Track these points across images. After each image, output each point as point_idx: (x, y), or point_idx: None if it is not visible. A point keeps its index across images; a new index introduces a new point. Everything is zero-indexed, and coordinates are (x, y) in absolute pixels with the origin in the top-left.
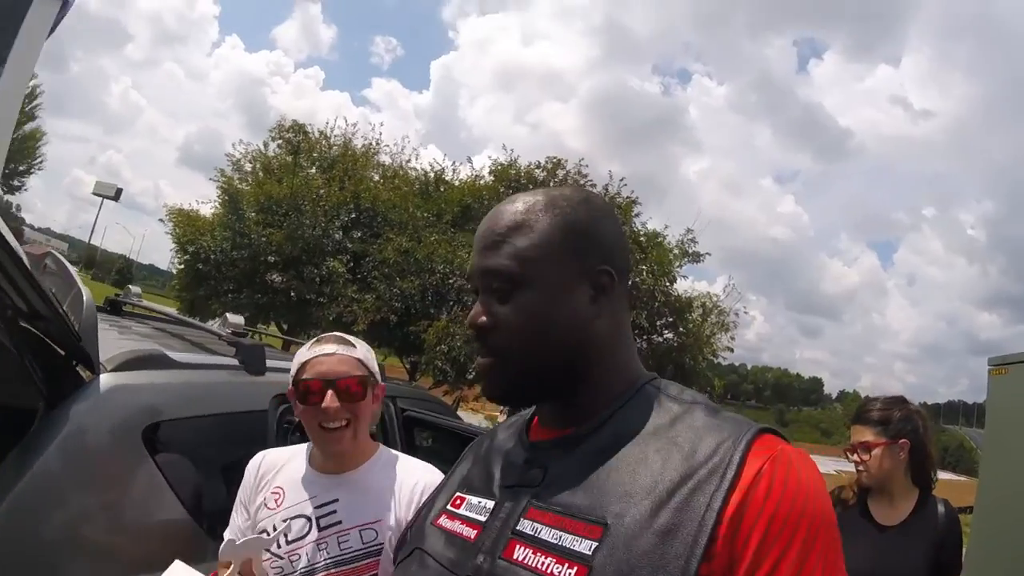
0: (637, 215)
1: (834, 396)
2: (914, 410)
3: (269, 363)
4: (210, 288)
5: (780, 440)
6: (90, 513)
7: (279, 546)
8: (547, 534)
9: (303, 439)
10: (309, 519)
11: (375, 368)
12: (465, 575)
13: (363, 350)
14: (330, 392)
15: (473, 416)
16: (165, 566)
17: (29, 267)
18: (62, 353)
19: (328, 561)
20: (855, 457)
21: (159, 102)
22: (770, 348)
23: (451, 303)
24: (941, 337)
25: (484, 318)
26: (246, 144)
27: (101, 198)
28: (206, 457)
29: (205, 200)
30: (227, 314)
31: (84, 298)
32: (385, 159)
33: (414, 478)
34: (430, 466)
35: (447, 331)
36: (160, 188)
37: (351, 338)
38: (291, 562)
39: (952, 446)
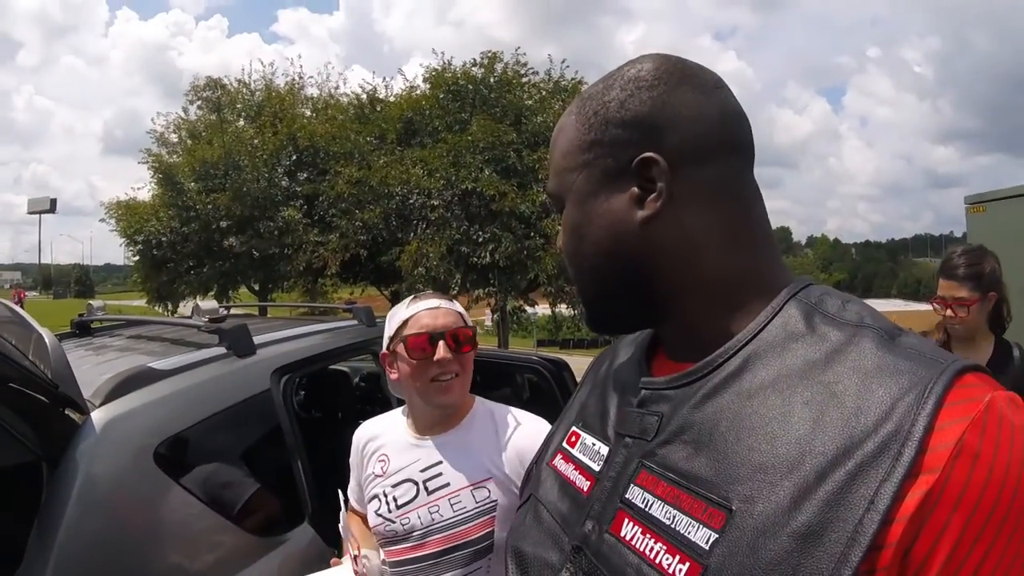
0: None
1: (803, 243)
2: (996, 259)
3: (256, 339)
4: (171, 271)
5: (986, 382)
6: (133, 553)
7: (390, 511)
8: (659, 510)
9: (318, 407)
10: (415, 483)
11: (466, 315)
12: (573, 544)
13: (459, 306)
14: (441, 343)
15: None
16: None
17: None
18: (45, 403)
19: (442, 523)
20: (949, 312)
21: (67, 99)
22: None
23: (416, 223)
24: (900, 175)
25: (558, 245)
26: (165, 115)
27: (38, 214)
28: (223, 456)
29: (140, 184)
30: (199, 302)
31: (47, 341)
32: (312, 92)
33: (520, 430)
34: (533, 415)
35: (420, 252)
36: (94, 184)
37: (447, 296)
38: (403, 526)
39: (925, 278)
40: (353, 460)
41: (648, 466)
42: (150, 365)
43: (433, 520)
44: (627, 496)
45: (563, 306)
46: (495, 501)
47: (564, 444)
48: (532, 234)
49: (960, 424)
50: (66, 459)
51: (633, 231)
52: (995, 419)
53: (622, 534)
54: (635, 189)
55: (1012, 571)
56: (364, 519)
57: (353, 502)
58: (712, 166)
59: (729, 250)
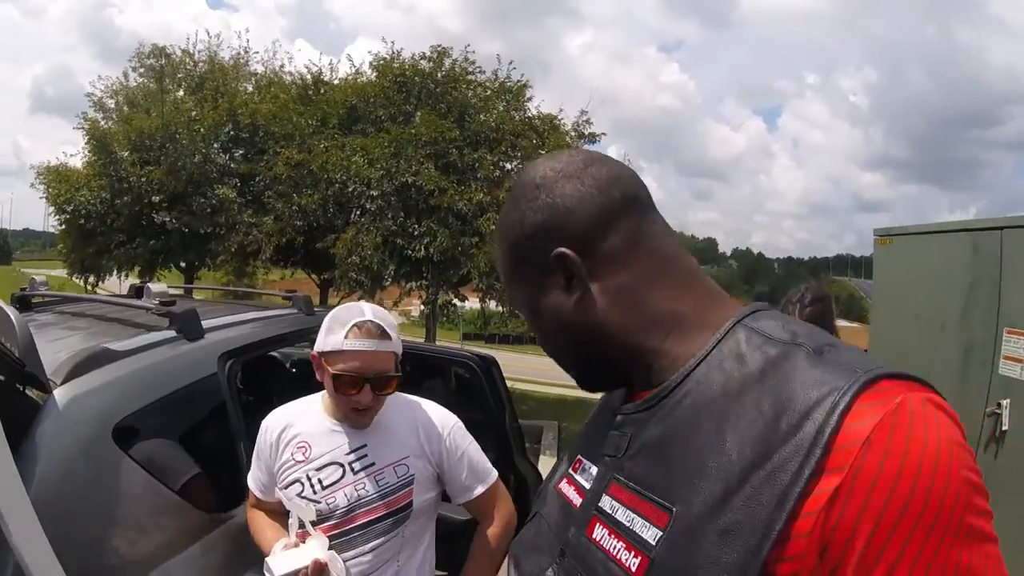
0: (530, 99)
1: (728, 254)
2: (830, 300)
3: (206, 323)
4: (99, 244)
5: (903, 386)
6: (93, 529)
7: (315, 492)
8: (622, 515)
9: (252, 391)
10: (341, 465)
11: (400, 349)
12: (560, 545)
13: (395, 335)
14: (367, 387)
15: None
16: (176, 549)
17: None
18: (3, 381)
19: (369, 497)
20: None
21: None
22: (665, 212)
23: (353, 210)
24: (829, 196)
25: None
26: (104, 79)
27: None
28: (175, 436)
29: (73, 152)
30: (148, 284)
31: (14, 320)
32: (257, 68)
33: (429, 413)
34: (435, 404)
35: (356, 241)
36: (19, 144)
37: (386, 322)
38: (328, 504)
39: (843, 296)
40: (261, 449)
41: (617, 478)
42: (106, 346)
43: (359, 496)
44: (600, 505)
45: (492, 302)
46: (413, 474)
47: (569, 470)
48: (468, 231)
49: (869, 423)
50: (28, 436)
51: (573, 312)
52: (906, 416)
53: (594, 536)
54: (562, 279)
55: (933, 560)
56: (268, 510)
57: (257, 492)
58: (613, 232)
59: (665, 298)
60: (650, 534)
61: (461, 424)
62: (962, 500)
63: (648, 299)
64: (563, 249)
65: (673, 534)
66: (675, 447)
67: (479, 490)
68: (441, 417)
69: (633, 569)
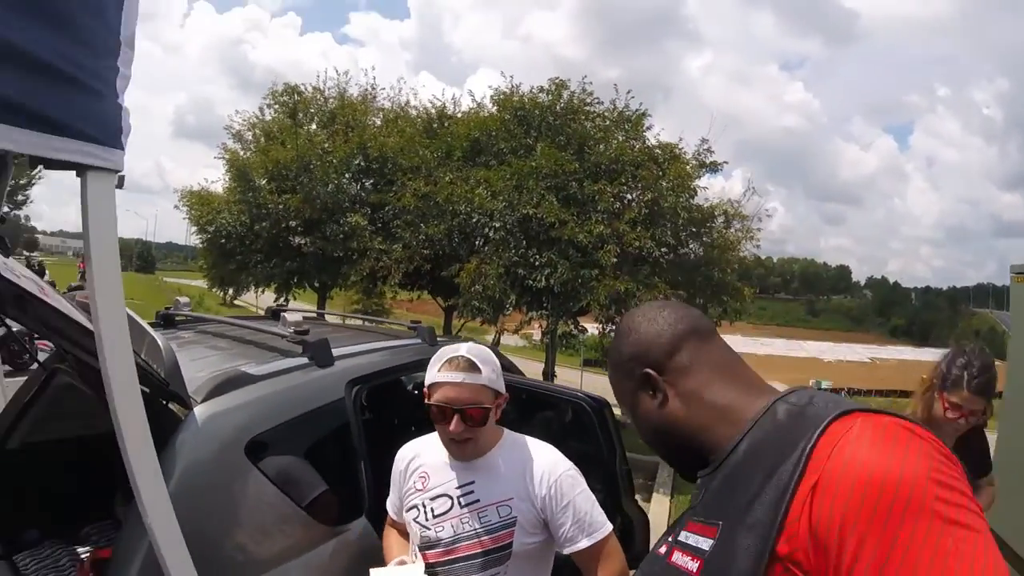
0: (649, 128)
1: (863, 283)
2: (994, 367)
3: (335, 351)
4: (238, 262)
5: (865, 416)
6: (217, 526)
7: (427, 519)
8: (691, 540)
9: (373, 410)
10: (451, 497)
11: (500, 384)
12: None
13: (488, 370)
14: (456, 417)
15: (509, 337)
16: (292, 556)
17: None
18: (151, 397)
19: (471, 532)
20: (963, 421)
21: (142, 82)
22: (794, 239)
23: (477, 240)
24: (966, 219)
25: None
26: (242, 113)
27: None
28: (301, 453)
29: (214, 179)
30: (284, 314)
31: (160, 344)
32: (384, 103)
33: (539, 458)
34: (550, 445)
35: (479, 271)
36: (162, 165)
37: (480, 358)
38: (436, 533)
39: (983, 329)
40: (395, 476)
41: (692, 517)
42: (243, 369)
43: (464, 529)
44: (679, 538)
45: (613, 333)
46: (515, 516)
47: (668, 537)
48: (588, 263)
49: (837, 437)
50: (169, 446)
51: (659, 414)
52: (862, 433)
53: (672, 559)
54: (649, 389)
55: (897, 537)
56: (400, 530)
57: (392, 513)
58: (679, 353)
59: (718, 395)
60: (706, 544)
61: (573, 472)
62: (919, 490)
63: (709, 397)
64: (648, 370)
65: (720, 539)
66: (728, 485)
67: (583, 543)
68: (550, 463)
69: (694, 571)
